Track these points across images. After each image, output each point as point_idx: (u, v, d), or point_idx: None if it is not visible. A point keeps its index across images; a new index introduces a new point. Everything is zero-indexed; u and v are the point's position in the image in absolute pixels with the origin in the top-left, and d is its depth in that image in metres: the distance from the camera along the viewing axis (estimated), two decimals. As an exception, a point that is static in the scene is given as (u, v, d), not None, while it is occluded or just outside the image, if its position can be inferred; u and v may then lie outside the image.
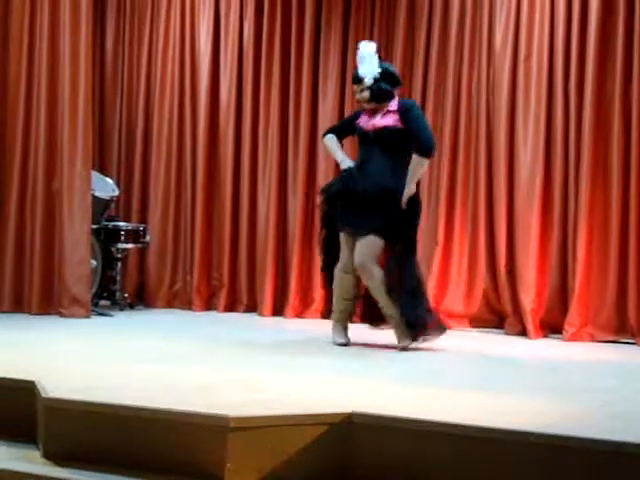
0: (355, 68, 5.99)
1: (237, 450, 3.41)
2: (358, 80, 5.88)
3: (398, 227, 5.72)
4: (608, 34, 6.67)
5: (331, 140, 6.17)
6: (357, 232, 5.78)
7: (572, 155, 6.77)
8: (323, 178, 7.58)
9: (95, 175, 7.52)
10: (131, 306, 7.83)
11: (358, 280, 5.92)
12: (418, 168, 5.75)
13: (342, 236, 5.91)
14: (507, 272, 6.93)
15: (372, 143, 5.83)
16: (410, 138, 5.75)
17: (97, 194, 7.41)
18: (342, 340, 5.94)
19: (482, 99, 7.12)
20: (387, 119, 5.81)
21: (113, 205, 7.93)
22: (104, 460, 3.58)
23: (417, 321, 5.70)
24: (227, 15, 8.03)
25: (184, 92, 8.16)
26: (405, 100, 6.10)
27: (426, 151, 5.73)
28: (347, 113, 7.57)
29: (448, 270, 7.20)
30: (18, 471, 3.58)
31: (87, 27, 7.21)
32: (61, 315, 6.97)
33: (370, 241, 5.71)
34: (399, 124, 5.77)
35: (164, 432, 3.54)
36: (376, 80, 5.82)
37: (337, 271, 5.96)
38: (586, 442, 3.27)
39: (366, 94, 5.84)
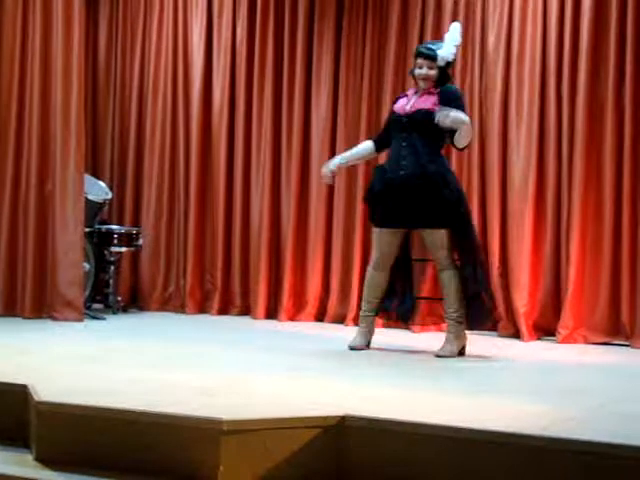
0: (426, 43, 5.78)
1: (230, 453, 3.40)
2: (431, 57, 5.65)
3: (449, 214, 5.59)
4: (601, 36, 6.68)
5: (359, 146, 6.14)
6: (410, 226, 5.68)
7: (565, 157, 6.77)
8: (316, 182, 7.58)
9: (88, 178, 7.51)
10: (124, 309, 7.81)
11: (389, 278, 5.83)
12: (464, 133, 5.57)
13: (378, 233, 5.76)
14: (499, 274, 6.93)
15: (406, 128, 5.66)
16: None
17: (90, 197, 7.40)
18: (353, 343, 5.82)
19: (475, 101, 7.11)
20: (424, 101, 5.66)
21: (106, 208, 7.92)
22: (97, 464, 3.56)
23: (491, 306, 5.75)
24: (220, 18, 8.02)
25: (177, 95, 8.15)
26: (450, 87, 5.84)
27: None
28: (340, 114, 7.59)
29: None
30: (10, 475, 3.56)
31: (79, 30, 7.20)
32: (54, 319, 6.95)
33: (438, 235, 5.60)
34: (433, 107, 5.60)
35: (157, 435, 3.52)
36: (447, 64, 5.71)
37: (368, 269, 5.86)
38: (582, 444, 3.26)
39: (434, 73, 5.66)
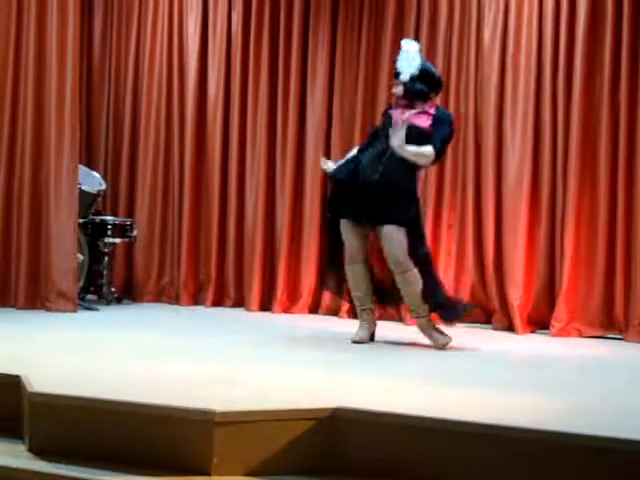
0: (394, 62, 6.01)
1: (223, 445, 3.40)
2: (395, 75, 5.91)
3: (411, 220, 5.74)
4: (597, 30, 6.66)
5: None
6: (375, 221, 5.71)
7: (560, 151, 6.77)
8: (311, 173, 7.57)
9: (82, 169, 7.48)
10: (118, 300, 7.80)
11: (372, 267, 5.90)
12: (421, 157, 5.72)
13: (346, 225, 5.80)
14: (494, 267, 6.92)
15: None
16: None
17: (84, 188, 7.37)
18: (356, 337, 5.82)
19: (470, 95, 7.10)
20: (420, 119, 5.78)
21: (100, 199, 7.90)
22: (90, 454, 3.57)
23: (449, 302, 5.84)
24: (215, 8, 7.98)
25: (172, 86, 8.12)
26: (444, 111, 6.12)
27: (436, 155, 5.77)
28: (336, 107, 7.57)
29: (435, 265, 7.18)
30: (3, 465, 3.57)
31: (74, 19, 7.16)
32: (47, 309, 6.93)
33: (397, 232, 5.66)
34: (429, 128, 5.75)
35: (150, 427, 3.53)
36: (413, 79, 5.81)
37: (346, 267, 5.86)
38: (572, 438, 3.27)
39: (400, 89, 5.84)
